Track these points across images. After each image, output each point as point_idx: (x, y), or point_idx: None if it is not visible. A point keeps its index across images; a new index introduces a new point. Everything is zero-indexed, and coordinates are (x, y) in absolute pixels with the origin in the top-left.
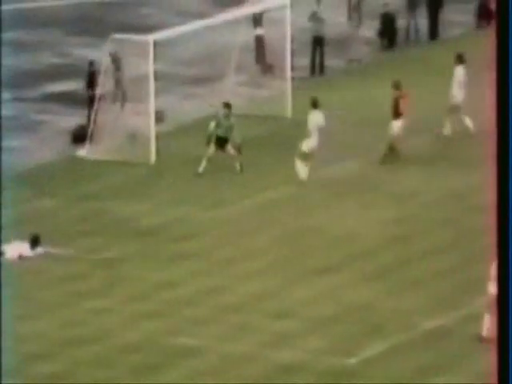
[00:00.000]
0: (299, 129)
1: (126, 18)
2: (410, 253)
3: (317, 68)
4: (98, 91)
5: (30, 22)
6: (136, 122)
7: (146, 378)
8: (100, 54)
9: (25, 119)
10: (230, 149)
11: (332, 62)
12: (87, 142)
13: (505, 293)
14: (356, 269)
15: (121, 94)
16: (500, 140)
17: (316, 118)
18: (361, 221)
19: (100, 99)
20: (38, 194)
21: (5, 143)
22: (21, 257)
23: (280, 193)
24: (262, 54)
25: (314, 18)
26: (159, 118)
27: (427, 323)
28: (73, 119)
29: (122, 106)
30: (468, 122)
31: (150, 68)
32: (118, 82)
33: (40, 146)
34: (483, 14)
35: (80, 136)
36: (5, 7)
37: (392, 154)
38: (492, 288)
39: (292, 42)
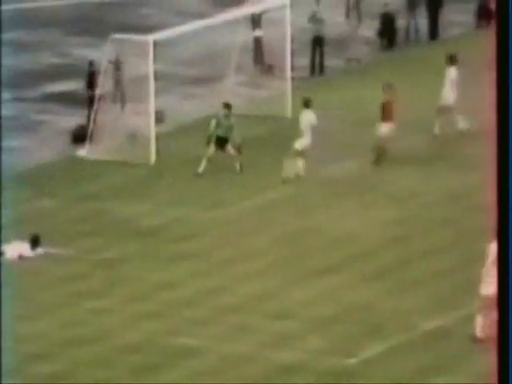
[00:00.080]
0: (299, 129)
1: (125, 18)
2: (410, 253)
3: (316, 68)
4: (98, 91)
5: (30, 22)
6: (136, 122)
7: (146, 378)
8: (100, 54)
9: (25, 119)
10: (230, 149)
11: (332, 62)
12: (87, 142)
13: (505, 293)
14: (356, 269)
15: (120, 94)
16: (500, 140)
17: (308, 118)
18: (360, 221)
19: (100, 99)
20: (37, 194)
21: (5, 143)
22: (21, 257)
23: (280, 193)
24: (260, 56)
25: (314, 18)
26: (159, 118)
27: (427, 323)
28: (73, 119)
29: (122, 106)
30: (461, 122)
31: (150, 68)
32: (117, 82)
33: (40, 146)
34: (483, 14)
35: (80, 136)
36: (5, 7)
37: (380, 155)
38: (483, 289)
39: (292, 42)
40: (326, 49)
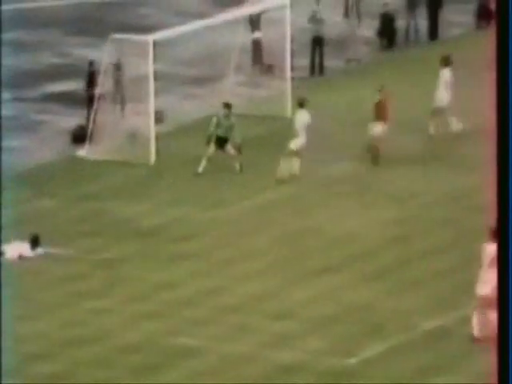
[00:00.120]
0: (294, 129)
1: (125, 18)
2: (410, 253)
3: (316, 68)
4: (98, 91)
5: (30, 22)
6: (136, 122)
7: (146, 378)
8: (100, 54)
9: (25, 119)
10: (229, 149)
11: (331, 62)
12: (87, 142)
13: (505, 293)
14: (356, 269)
15: (120, 95)
16: (500, 140)
17: (303, 118)
18: (360, 221)
19: (100, 99)
20: (37, 194)
21: (5, 143)
22: (21, 257)
23: (280, 193)
24: (259, 57)
25: (314, 18)
26: (159, 118)
27: (427, 323)
28: (73, 119)
29: (122, 106)
30: (454, 123)
31: (150, 68)
32: (117, 83)
33: (40, 146)
34: (483, 15)
35: (80, 136)
36: (5, 7)
37: (374, 154)
38: (480, 290)
39: (291, 42)
40: (326, 49)
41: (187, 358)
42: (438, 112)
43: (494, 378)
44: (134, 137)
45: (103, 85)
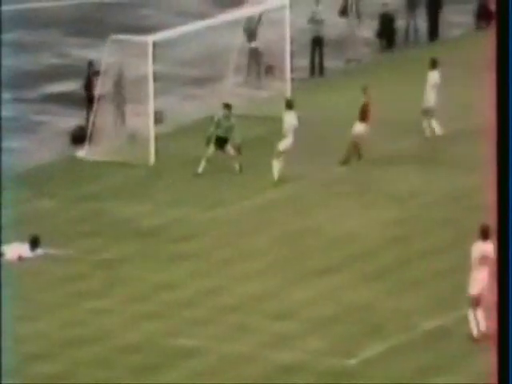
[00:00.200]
0: (282, 130)
1: (125, 19)
2: (410, 253)
3: (316, 69)
4: (98, 92)
5: (30, 22)
6: (135, 122)
7: (146, 378)
8: (99, 55)
9: (24, 120)
10: (229, 149)
11: (331, 62)
12: (86, 142)
13: (505, 293)
14: (356, 269)
15: (120, 95)
16: (500, 140)
17: (290, 119)
18: (360, 221)
19: (99, 100)
20: (37, 195)
21: (5, 144)
22: (20, 258)
23: (279, 193)
24: (256, 65)
25: (314, 19)
26: (158, 118)
27: (427, 323)
28: (72, 120)
29: (122, 107)
30: (435, 125)
31: (150, 69)
32: (117, 83)
33: (39, 146)
34: (483, 15)
35: (79, 137)
36: (5, 8)
37: (354, 153)
38: (471, 289)
39: (291, 42)
40: (326, 49)
41: (187, 358)
42: (426, 113)
43: (494, 378)
44: (133, 137)
45: (103, 86)
